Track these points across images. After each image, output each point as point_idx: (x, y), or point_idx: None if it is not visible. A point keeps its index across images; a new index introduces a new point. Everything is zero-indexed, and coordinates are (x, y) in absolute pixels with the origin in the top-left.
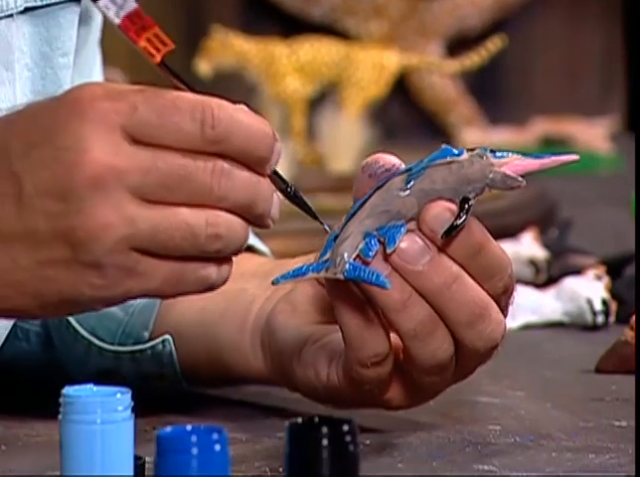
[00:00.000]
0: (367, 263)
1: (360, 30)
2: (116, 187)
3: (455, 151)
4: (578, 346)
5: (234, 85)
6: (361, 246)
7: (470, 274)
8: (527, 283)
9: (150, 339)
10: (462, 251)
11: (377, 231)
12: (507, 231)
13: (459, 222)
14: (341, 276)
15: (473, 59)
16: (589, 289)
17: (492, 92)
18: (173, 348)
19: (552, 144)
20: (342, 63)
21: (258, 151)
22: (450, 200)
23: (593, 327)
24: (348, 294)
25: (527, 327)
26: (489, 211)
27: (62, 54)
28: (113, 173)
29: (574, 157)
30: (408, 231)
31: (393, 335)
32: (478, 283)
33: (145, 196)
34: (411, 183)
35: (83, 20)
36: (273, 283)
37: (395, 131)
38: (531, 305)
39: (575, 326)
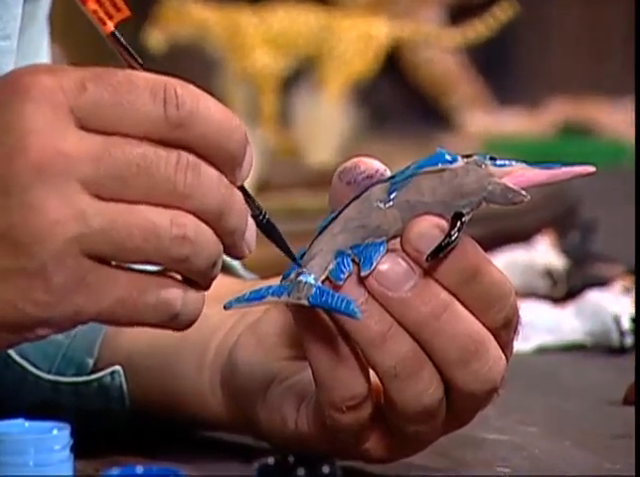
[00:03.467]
0: (337, 288)
1: None
2: (65, 176)
3: (448, 157)
4: (603, 372)
5: (191, 60)
6: (331, 267)
7: (463, 304)
8: (542, 297)
9: (95, 367)
10: (453, 276)
11: (351, 249)
12: (519, 234)
13: (449, 241)
14: (305, 302)
15: (479, 29)
16: (616, 304)
17: (501, 69)
18: (123, 381)
19: (571, 131)
20: (321, 33)
21: (229, 146)
22: (440, 215)
23: (621, 350)
24: (317, 324)
25: (542, 350)
26: (498, 211)
27: (3, 36)
28: (61, 159)
29: (590, 169)
30: (389, 250)
31: (373, 373)
32: (473, 314)
33: (97, 189)
34: (395, 193)
35: None
36: (225, 308)
37: (384, 115)
38: (547, 324)
39: (600, 348)
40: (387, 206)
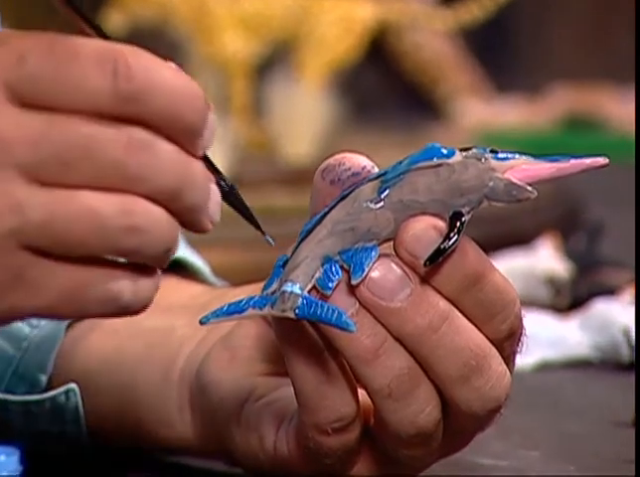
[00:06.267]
0: (326, 298)
1: None
2: (1, 163)
3: (444, 151)
4: (611, 390)
5: (155, 44)
6: (318, 275)
7: (463, 313)
8: (544, 307)
9: (49, 385)
10: (453, 283)
11: (339, 255)
12: (519, 237)
13: (449, 244)
14: (291, 314)
15: (473, 10)
16: (625, 315)
17: (498, 54)
18: (79, 401)
19: (576, 122)
20: (299, 15)
21: (187, 117)
22: (437, 215)
23: (630, 366)
24: (302, 338)
25: (544, 365)
26: (497, 212)
27: None
28: None
29: (603, 161)
30: (382, 255)
31: (362, 391)
32: (474, 325)
33: (37, 176)
34: (386, 192)
35: None
36: (201, 323)
37: (369, 106)
38: (549, 337)
39: (607, 364)
40: (377, 206)
